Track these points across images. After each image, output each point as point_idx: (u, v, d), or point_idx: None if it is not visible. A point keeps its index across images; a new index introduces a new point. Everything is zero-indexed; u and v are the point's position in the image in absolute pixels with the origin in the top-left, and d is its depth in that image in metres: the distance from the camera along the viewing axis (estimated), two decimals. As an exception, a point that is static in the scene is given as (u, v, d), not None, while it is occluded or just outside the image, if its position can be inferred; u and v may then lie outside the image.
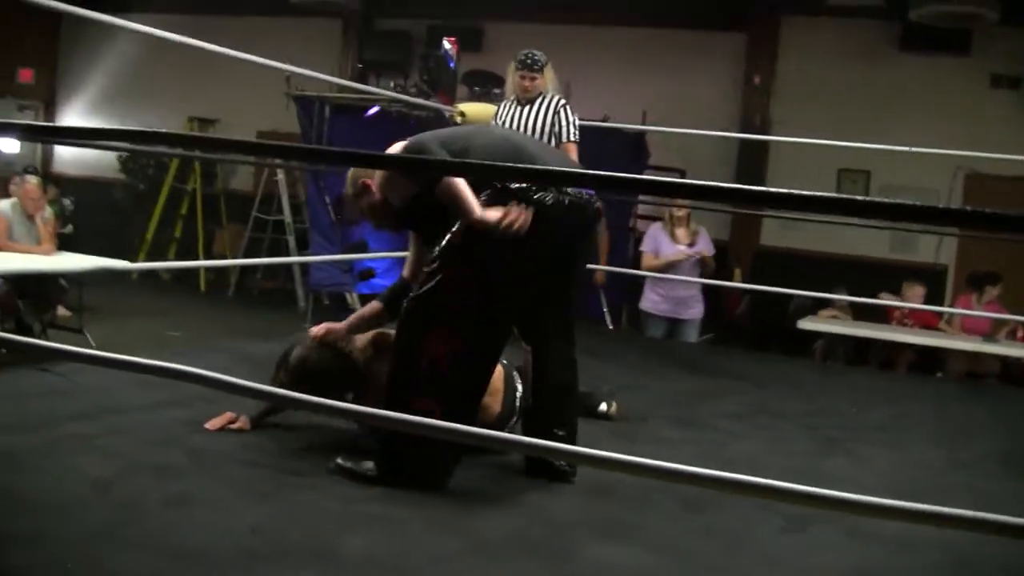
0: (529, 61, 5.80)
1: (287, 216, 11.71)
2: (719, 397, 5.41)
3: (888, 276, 9.60)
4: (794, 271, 10.13)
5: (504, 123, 5.87)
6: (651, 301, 7.58)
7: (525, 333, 3.64)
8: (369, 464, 3.33)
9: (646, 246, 7.58)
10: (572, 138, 5.86)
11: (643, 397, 5.19)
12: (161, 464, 3.24)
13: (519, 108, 5.87)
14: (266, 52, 11.11)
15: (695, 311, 7.59)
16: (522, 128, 5.83)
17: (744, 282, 10.74)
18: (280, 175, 11.78)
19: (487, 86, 9.23)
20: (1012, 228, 1.76)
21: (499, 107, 6.07)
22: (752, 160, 11.13)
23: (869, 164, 10.73)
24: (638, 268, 7.86)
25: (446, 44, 6.19)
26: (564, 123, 5.84)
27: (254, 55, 9.27)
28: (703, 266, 7.48)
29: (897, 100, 10.61)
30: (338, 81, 9.12)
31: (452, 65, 7.30)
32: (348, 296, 10.21)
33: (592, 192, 3.54)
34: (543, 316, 3.61)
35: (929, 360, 8.66)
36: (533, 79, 5.78)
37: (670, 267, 7.36)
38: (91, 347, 7.27)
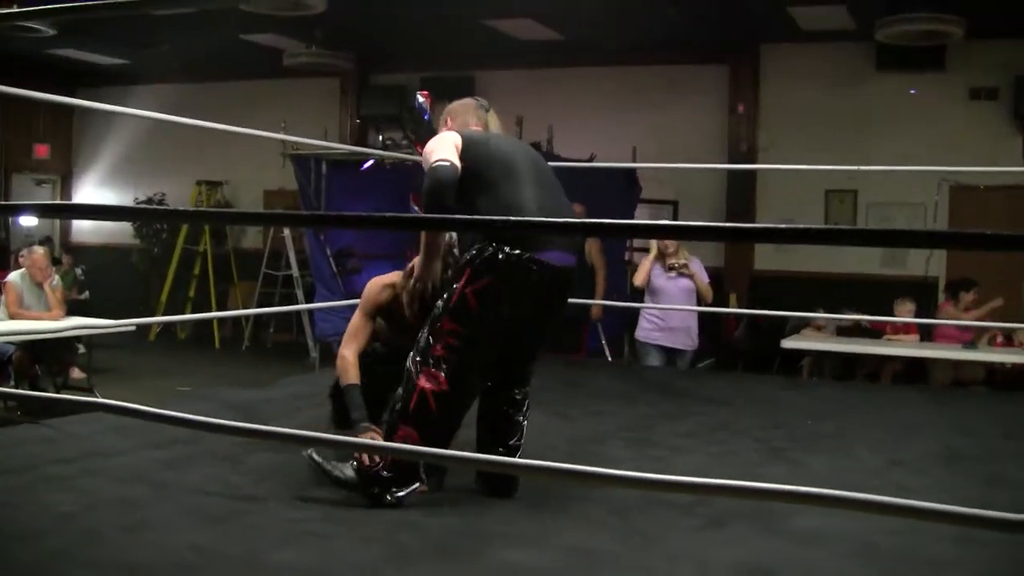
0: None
1: (295, 271, 12.09)
2: (680, 418, 5.61)
3: (880, 292, 9.80)
4: (789, 292, 10.36)
5: None
6: (644, 330, 7.66)
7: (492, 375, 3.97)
8: (349, 472, 3.66)
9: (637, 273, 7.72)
10: None
11: (604, 421, 5.45)
12: (125, 497, 3.56)
13: None
14: (268, 113, 11.72)
15: (691, 342, 7.64)
16: None
17: (740, 307, 11.00)
18: (286, 231, 12.18)
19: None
20: (991, 247, 1.97)
21: None
22: (741, 187, 11.42)
23: (855, 184, 10.99)
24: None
25: (419, 97, 6.47)
26: None
27: (256, 117, 9.83)
28: (700, 299, 7.52)
29: (879, 119, 10.88)
30: (322, 143, 9.50)
31: (427, 117, 7.58)
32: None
33: (573, 259, 3.89)
34: (512, 364, 3.98)
35: (914, 371, 8.84)
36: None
37: (659, 292, 7.46)
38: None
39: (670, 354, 7.63)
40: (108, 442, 4.33)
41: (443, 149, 3.77)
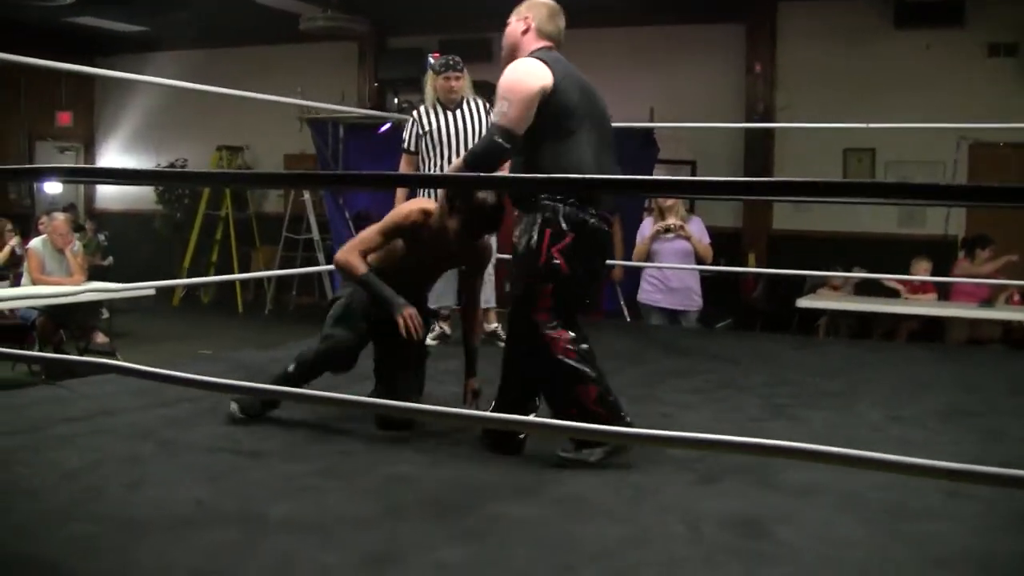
0: (452, 63, 6.12)
1: (315, 234, 12.17)
2: (687, 376, 5.66)
3: (898, 251, 9.74)
4: (807, 252, 10.32)
5: (434, 130, 6.12)
6: (645, 292, 7.63)
7: None
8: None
9: (637, 238, 7.76)
10: None
11: (612, 379, 5.46)
12: (130, 455, 3.65)
13: (448, 113, 6.14)
14: (286, 78, 11.76)
15: (692, 303, 7.56)
16: (457, 133, 6.10)
17: (759, 266, 11.00)
18: (307, 195, 12.26)
19: (487, 95, 9.58)
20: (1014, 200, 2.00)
21: (419, 115, 6.26)
22: (759, 147, 11.37)
23: (873, 142, 10.92)
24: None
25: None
26: None
27: (273, 81, 9.89)
28: (699, 260, 7.44)
29: (897, 77, 10.78)
30: (337, 108, 9.54)
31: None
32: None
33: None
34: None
35: (931, 330, 8.83)
36: (459, 79, 6.09)
37: (654, 253, 7.45)
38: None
39: (672, 315, 7.61)
40: (120, 402, 4.43)
41: (520, 103, 3.74)
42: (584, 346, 3.83)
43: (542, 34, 4.00)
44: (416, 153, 6.28)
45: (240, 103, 11.93)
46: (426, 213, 4.22)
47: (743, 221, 11.50)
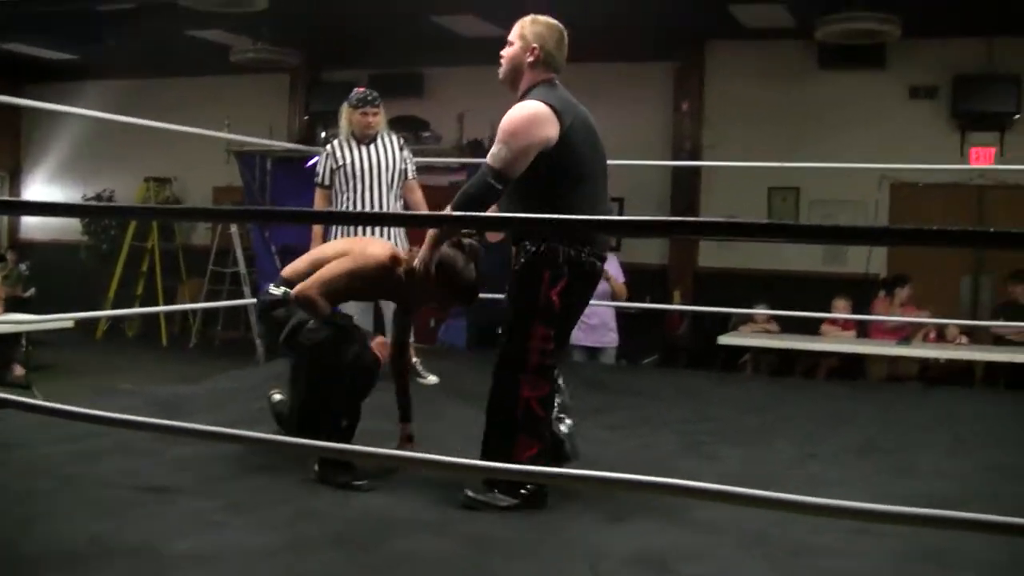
0: (370, 97, 6.08)
1: (242, 267, 12.05)
2: (607, 412, 5.66)
3: (822, 289, 9.86)
4: (732, 289, 10.42)
5: (348, 164, 6.07)
6: None
7: None
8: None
9: None
10: (415, 175, 6.22)
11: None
12: (28, 490, 3.57)
13: (363, 148, 6.10)
14: (216, 110, 11.67)
15: (608, 339, 7.75)
16: (372, 168, 6.06)
17: (684, 303, 11.09)
18: (234, 228, 12.14)
19: (414, 130, 9.64)
20: (934, 242, 2.03)
21: (333, 149, 6.20)
22: (685, 184, 11.48)
23: (798, 181, 11.06)
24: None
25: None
26: (410, 161, 6.19)
27: (204, 113, 9.80)
28: (614, 296, 7.56)
29: (821, 116, 10.95)
30: (263, 142, 9.49)
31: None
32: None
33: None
34: None
35: (852, 367, 8.95)
36: (376, 114, 6.07)
37: None
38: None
39: (591, 352, 7.71)
40: (23, 436, 4.32)
41: (520, 151, 3.67)
42: (553, 407, 3.90)
43: (549, 65, 3.90)
44: (330, 187, 6.20)
45: (168, 134, 11.86)
46: (395, 261, 4.08)
47: (669, 258, 11.58)
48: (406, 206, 6.26)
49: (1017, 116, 10.31)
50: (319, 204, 6.26)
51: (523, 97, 3.84)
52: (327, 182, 6.22)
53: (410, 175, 6.22)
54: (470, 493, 3.69)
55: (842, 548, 3.30)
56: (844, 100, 10.94)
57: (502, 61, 3.94)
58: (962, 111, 10.51)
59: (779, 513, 3.20)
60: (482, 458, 3.61)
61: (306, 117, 13.06)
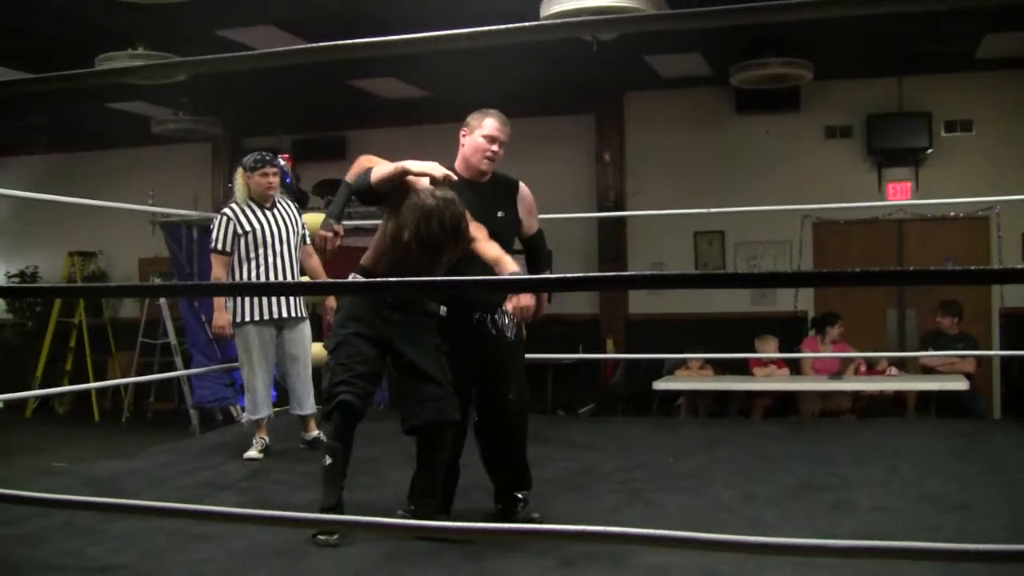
0: (268, 158, 6.05)
1: (172, 338, 11.93)
2: (543, 465, 5.63)
3: (752, 329, 9.99)
4: (664, 335, 10.51)
5: (256, 229, 5.98)
6: None
7: None
8: None
9: None
10: (309, 240, 6.19)
11: (466, 472, 5.44)
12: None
13: (266, 212, 6.04)
14: (140, 180, 11.58)
15: None
16: (279, 232, 6.01)
17: (617, 351, 11.18)
18: (162, 300, 12.02)
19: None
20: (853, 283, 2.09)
21: (235, 214, 6.08)
22: (612, 234, 11.59)
23: (722, 224, 11.24)
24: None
25: (280, 160, 6.53)
26: (304, 227, 6.18)
27: (128, 184, 9.74)
28: None
29: (741, 160, 11.17)
30: (186, 212, 9.49)
31: (288, 180, 7.65)
32: (233, 410, 10.41)
33: None
34: None
35: (785, 405, 9.08)
36: (275, 174, 6.03)
37: None
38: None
39: None
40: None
41: None
42: None
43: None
44: (231, 254, 6.06)
45: (92, 207, 11.80)
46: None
47: (600, 307, 11.67)
48: (302, 272, 6.26)
49: (930, 150, 10.61)
50: (218, 272, 6.09)
51: (495, 176, 4.92)
52: (228, 248, 6.06)
53: (307, 240, 6.20)
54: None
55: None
56: (763, 143, 11.17)
57: (496, 158, 4.82)
58: (877, 148, 10.79)
59: (723, 553, 3.25)
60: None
61: (229, 185, 12.91)
